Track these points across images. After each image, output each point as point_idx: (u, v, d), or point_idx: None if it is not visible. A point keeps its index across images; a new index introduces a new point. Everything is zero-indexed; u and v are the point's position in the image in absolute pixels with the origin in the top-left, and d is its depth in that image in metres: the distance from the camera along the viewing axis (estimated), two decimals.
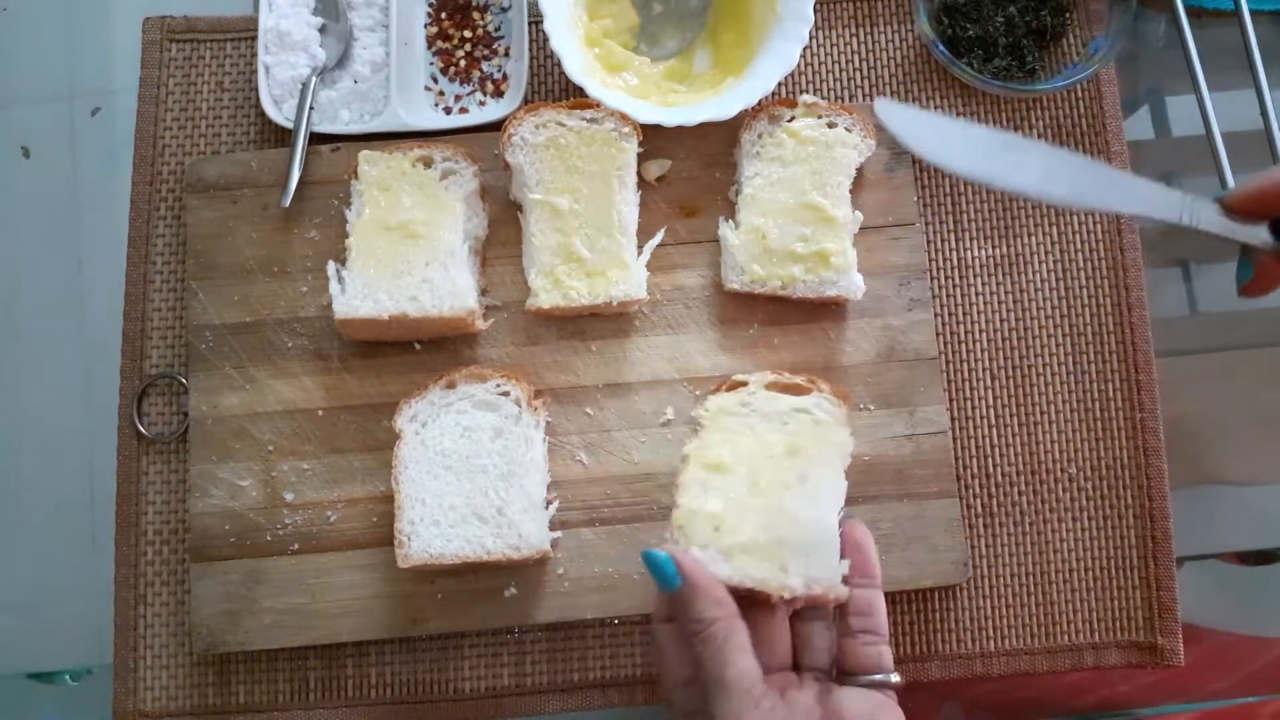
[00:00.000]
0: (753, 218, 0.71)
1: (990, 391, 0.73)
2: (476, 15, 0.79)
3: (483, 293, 0.72)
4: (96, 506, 0.76)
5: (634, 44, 0.78)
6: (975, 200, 0.76)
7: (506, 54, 0.78)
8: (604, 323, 0.72)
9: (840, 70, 0.79)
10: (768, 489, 0.58)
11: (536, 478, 0.66)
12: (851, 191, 0.71)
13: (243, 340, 0.71)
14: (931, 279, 0.75)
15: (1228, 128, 0.74)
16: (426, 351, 0.71)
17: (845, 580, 0.55)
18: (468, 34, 0.79)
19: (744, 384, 0.63)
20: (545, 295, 0.70)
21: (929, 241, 0.75)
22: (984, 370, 0.74)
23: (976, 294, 0.75)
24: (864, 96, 0.78)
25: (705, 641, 0.50)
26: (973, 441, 0.73)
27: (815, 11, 0.72)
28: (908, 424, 0.70)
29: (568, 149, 0.71)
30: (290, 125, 0.74)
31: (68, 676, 0.78)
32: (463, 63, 0.78)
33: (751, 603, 0.54)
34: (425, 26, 0.79)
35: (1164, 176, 0.92)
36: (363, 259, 0.68)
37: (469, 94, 0.77)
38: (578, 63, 0.72)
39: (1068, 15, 0.79)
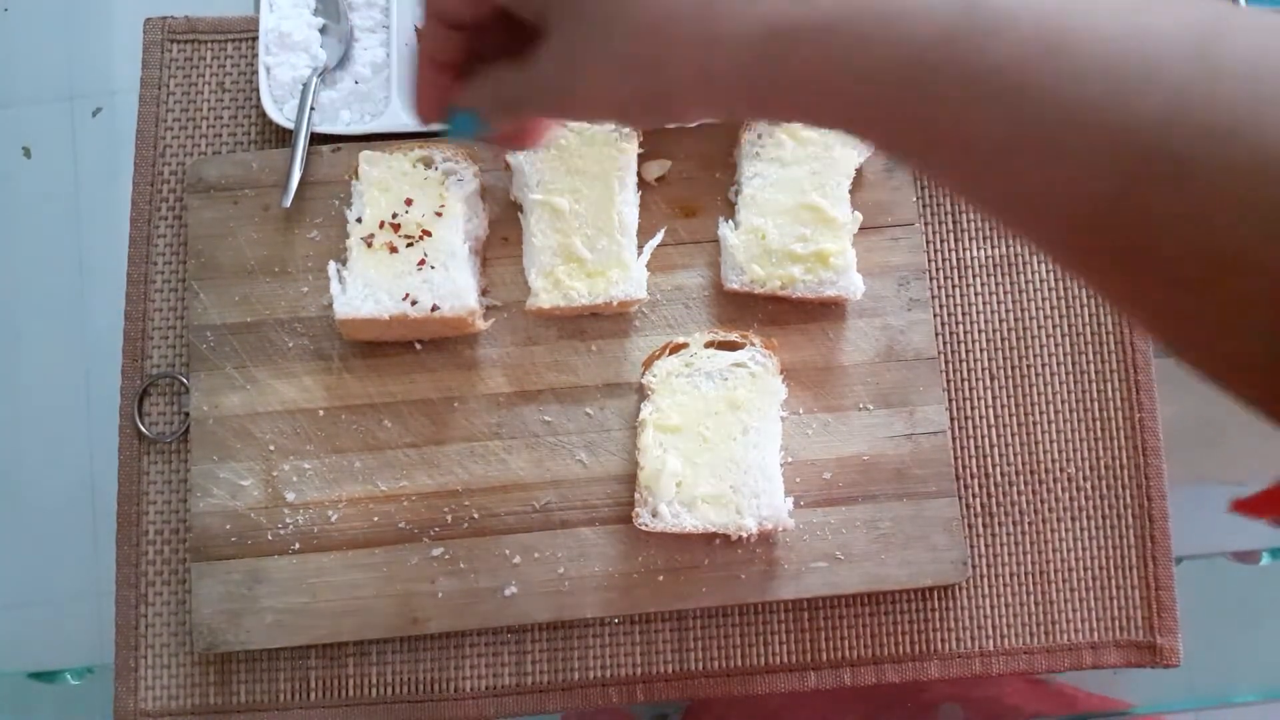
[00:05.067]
0: (752, 218, 0.71)
1: (989, 391, 0.74)
2: None
3: (483, 293, 0.72)
4: (97, 506, 0.76)
5: None
6: None
7: None
8: (604, 323, 0.72)
9: None
10: (717, 442, 0.66)
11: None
12: (851, 192, 0.71)
13: (244, 340, 0.71)
14: (931, 279, 0.75)
15: None
16: (427, 351, 0.72)
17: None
18: None
19: (685, 345, 0.69)
20: (545, 295, 0.70)
21: (928, 242, 0.76)
22: (983, 370, 0.74)
23: (976, 294, 0.75)
24: None
25: None
26: (972, 441, 0.73)
27: None
28: (907, 424, 0.70)
29: (568, 150, 0.71)
30: (291, 126, 0.74)
31: (69, 676, 0.78)
32: None
33: None
34: None
35: None
36: (363, 259, 0.68)
37: None
38: None
39: None
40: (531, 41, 0.39)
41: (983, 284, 0.75)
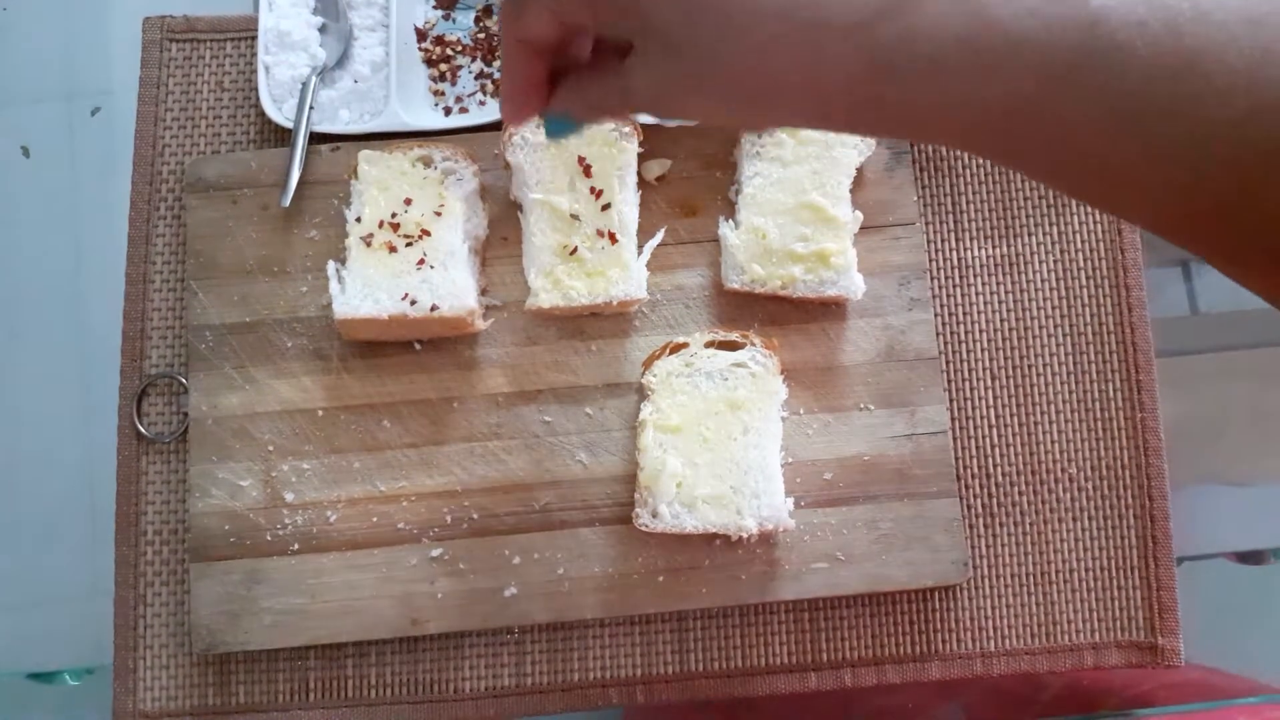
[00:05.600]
0: (753, 218, 0.71)
1: (990, 391, 0.73)
2: None
3: (483, 292, 0.72)
4: (96, 506, 0.76)
5: None
6: (975, 200, 0.76)
7: None
8: (604, 322, 0.72)
9: None
10: (717, 443, 0.66)
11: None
12: (851, 191, 0.71)
13: (242, 340, 0.71)
14: (931, 279, 0.75)
15: None
16: (426, 352, 0.71)
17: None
18: None
19: (685, 345, 0.68)
20: (545, 295, 0.70)
21: (929, 241, 0.75)
22: (984, 370, 0.74)
23: (976, 294, 0.75)
24: None
25: None
26: (973, 441, 0.73)
27: None
28: (908, 424, 0.70)
29: (567, 149, 0.71)
30: (290, 125, 0.74)
31: (68, 676, 0.78)
32: None
33: None
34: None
35: None
36: (362, 259, 0.68)
37: (469, 94, 0.77)
38: None
39: None
40: (614, 50, 0.39)
41: (984, 284, 0.75)
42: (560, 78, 0.43)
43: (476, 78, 0.78)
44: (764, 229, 0.70)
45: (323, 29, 0.77)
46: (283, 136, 0.77)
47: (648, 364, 0.69)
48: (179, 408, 0.73)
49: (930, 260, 0.75)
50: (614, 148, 0.70)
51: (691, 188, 0.74)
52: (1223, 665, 0.78)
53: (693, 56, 0.36)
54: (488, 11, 0.79)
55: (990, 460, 0.73)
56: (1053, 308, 0.74)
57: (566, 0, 0.38)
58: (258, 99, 0.76)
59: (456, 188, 0.70)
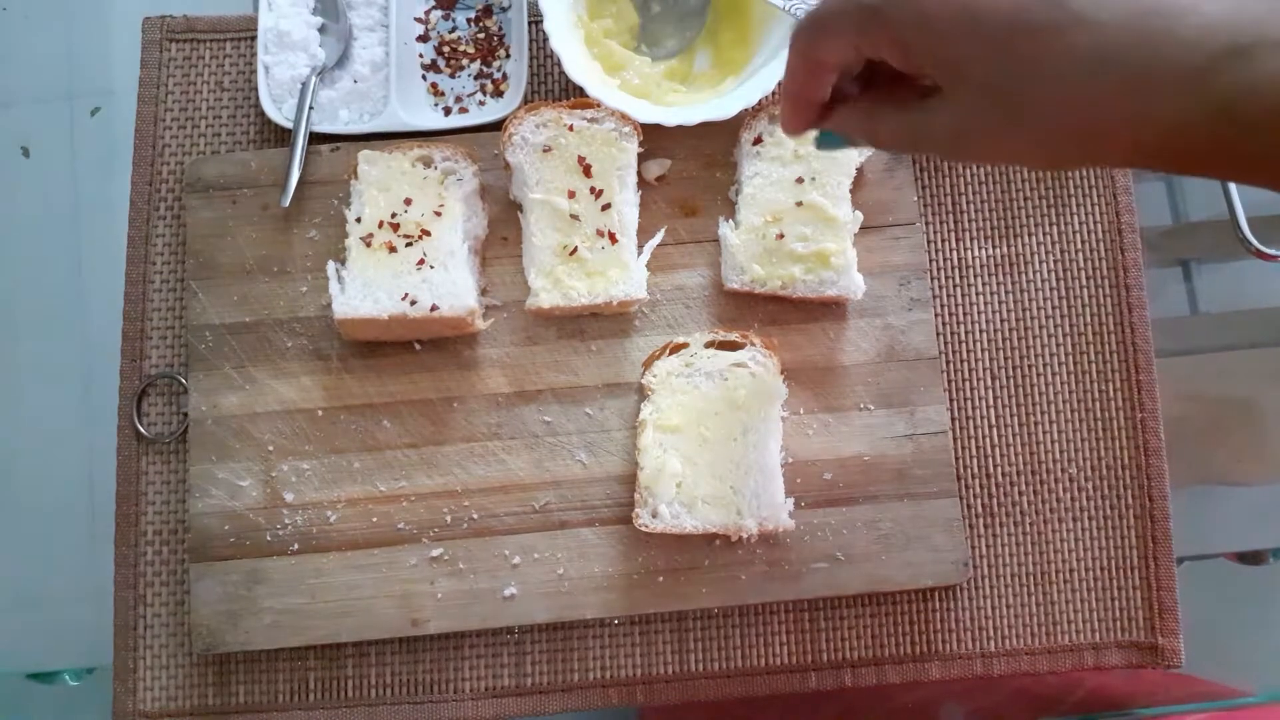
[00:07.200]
0: (753, 217, 0.71)
1: (990, 391, 0.73)
2: None
3: (483, 292, 0.72)
4: (96, 506, 0.76)
5: (634, 44, 0.78)
6: (975, 200, 0.76)
7: (506, 54, 0.78)
8: (604, 322, 0.72)
9: None
10: (717, 443, 0.66)
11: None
12: (851, 191, 0.71)
13: (242, 340, 0.71)
14: (931, 279, 0.75)
15: None
16: (426, 351, 0.71)
17: None
18: None
19: (685, 345, 0.69)
20: (545, 295, 0.70)
21: (929, 241, 0.75)
22: (984, 370, 0.74)
23: (976, 294, 0.75)
24: None
25: None
26: (973, 441, 0.73)
27: None
28: (908, 424, 0.70)
29: (568, 148, 0.71)
30: (290, 125, 0.74)
31: (68, 676, 0.78)
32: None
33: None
34: None
35: (1164, 177, 0.92)
36: (362, 259, 0.68)
37: (469, 94, 0.77)
38: (578, 63, 0.72)
39: None
40: (910, 84, 0.41)
41: (984, 284, 0.75)
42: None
43: (476, 78, 0.78)
44: (764, 229, 0.70)
45: (322, 29, 0.77)
46: (283, 136, 0.77)
47: (648, 364, 0.69)
48: (179, 408, 0.73)
49: (930, 260, 0.75)
50: (614, 148, 0.70)
51: (691, 188, 0.74)
52: (1223, 665, 0.78)
53: (1006, 104, 0.36)
54: (487, 12, 0.79)
55: (990, 460, 0.73)
56: (1053, 308, 0.74)
57: (874, 37, 0.39)
58: (258, 99, 0.76)
59: (456, 188, 0.70)
